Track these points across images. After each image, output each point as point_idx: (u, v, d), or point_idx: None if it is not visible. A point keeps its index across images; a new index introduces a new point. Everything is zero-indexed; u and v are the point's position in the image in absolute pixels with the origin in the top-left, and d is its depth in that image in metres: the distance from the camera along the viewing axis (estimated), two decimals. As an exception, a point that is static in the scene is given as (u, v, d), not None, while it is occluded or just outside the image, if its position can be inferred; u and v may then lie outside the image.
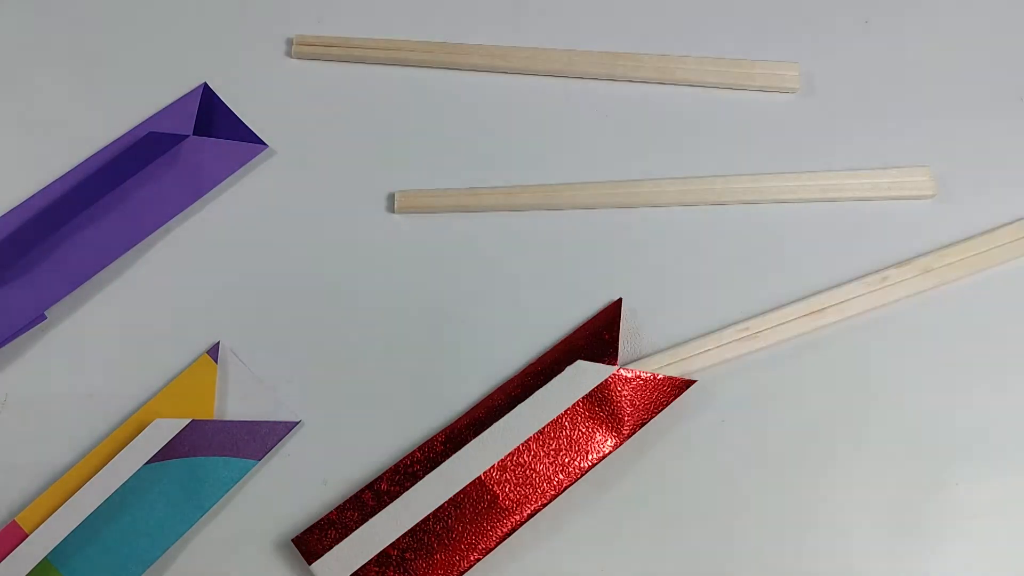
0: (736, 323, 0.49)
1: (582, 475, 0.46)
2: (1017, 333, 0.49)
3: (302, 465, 0.47)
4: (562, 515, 0.46)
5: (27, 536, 0.44)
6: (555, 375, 0.47)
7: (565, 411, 0.46)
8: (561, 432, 0.46)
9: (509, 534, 0.45)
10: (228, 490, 0.46)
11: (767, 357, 0.49)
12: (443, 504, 0.45)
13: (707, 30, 0.55)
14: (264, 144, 0.52)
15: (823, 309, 0.49)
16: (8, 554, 0.44)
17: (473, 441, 0.46)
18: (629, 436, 0.46)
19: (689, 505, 0.47)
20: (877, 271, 0.50)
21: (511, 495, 0.45)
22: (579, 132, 0.53)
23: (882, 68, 0.54)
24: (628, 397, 0.46)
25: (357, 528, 0.45)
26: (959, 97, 0.54)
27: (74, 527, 0.44)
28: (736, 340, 0.48)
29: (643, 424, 0.46)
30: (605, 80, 0.54)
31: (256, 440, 0.47)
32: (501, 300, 0.50)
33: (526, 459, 0.46)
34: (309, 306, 0.50)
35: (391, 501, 0.45)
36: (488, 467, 0.46)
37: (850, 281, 0.49)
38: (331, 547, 0.45)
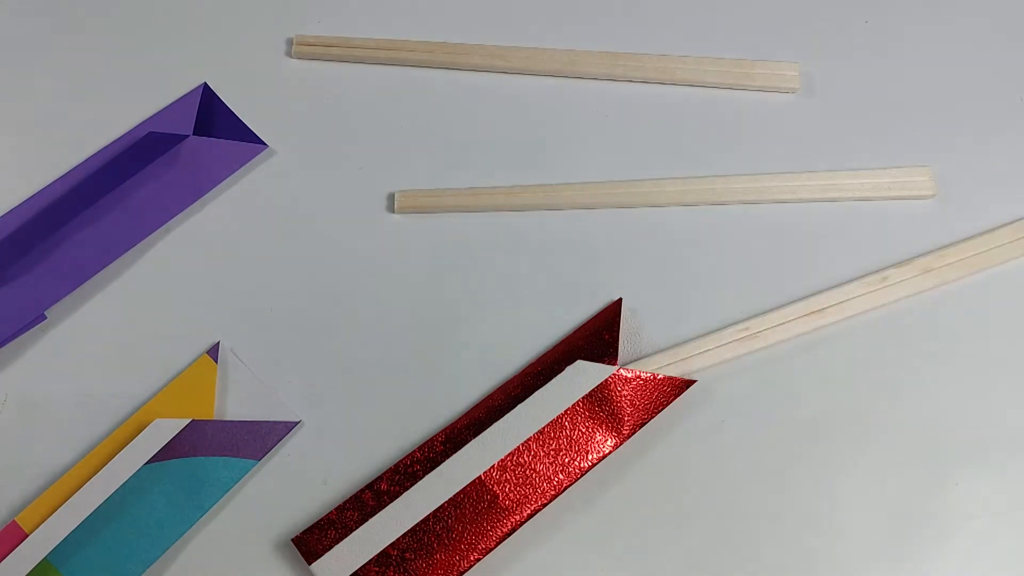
0: (736, 323, 0.49)
1: (582, 475, 0.46)
2: (1017, 333, 0.49)
3: (302, 465, 0.47)
4: (562, 515, 0.46)
5: (27, 536, 0.44)
6: (555, 375, 0.47)
7: (565, 411, 0.46)
8: (561, 432, 0.46)
9: (509, 534, 0.45)
10: (228, 490, 0.46)
11: (767, 357, 0.49)
12: (443, 504, 0.45)
13: (707, 30, 0.55)
14: (264, 144, 0.52)
15: (823, 309, 0.49)
16: (8, 554, 0.44)
17: (473, 441, 0.46)
18: (629, 436, 0.46)
19: (689, 505, 0.47)
20: (877, 271, 0.50)
21: (511, 495, 0.45)
22: (579, 132, 0.53)
23: (882, 68, 0.54)
24: (628, 397, 0.46)
25: (357, 528, 0.45)
26: (959, 97, 0.54)
27: (74, 527, 0.44)
28: (736, 340, 0.48)
29: (643, 424, 0.46)
30: (605, 80, 0.54)
31: (256, 440, 0.47)
32: (501, 300, 0.50)
33: (526, 459, 0.46)
34: (309, 306, 0.50)
35: (391, 501, 0.45)
36: (488, 467, 0.46)
37: (850, 281, 0.49)
38: (331, 547, 0.45)
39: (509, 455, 0.46)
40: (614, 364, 0.47)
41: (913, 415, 0.48)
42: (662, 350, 0.48)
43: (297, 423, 0.48)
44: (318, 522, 0.45)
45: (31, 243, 0.49)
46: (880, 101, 0.54)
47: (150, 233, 0.50)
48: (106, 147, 0.52)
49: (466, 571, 0.45)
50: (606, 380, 0.47)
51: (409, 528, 0.45)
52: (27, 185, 0.51)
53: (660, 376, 0.47)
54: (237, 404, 0.48)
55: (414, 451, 0.47)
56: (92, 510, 0.45)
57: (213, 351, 0.48)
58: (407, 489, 0.46)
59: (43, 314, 0.48)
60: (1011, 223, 0.51)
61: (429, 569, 0.45)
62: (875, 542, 0.46)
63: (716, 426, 0.48)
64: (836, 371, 0.49)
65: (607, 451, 0.46)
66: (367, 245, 0.51)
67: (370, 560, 0.45)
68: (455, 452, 0.46)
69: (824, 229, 0.51)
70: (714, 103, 0.53)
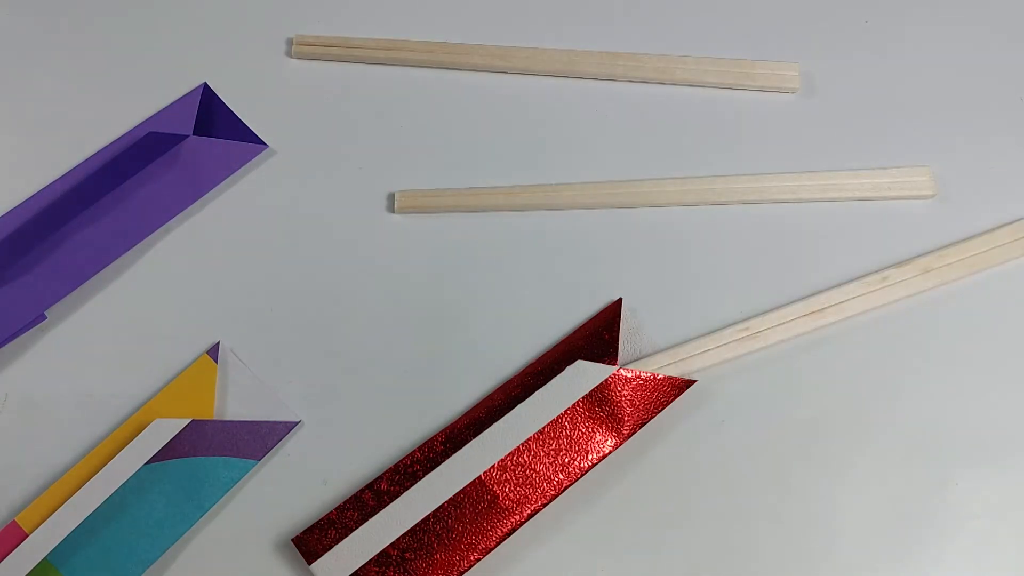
0: (736, 323, 0.49)
1: (582, 475, 0.46)
2: (1017, 333, 0.49)
3: (302, 465, 0.47)
4: (562, 515, 0.46)
5: (27, 536, 0.44)
6: (555, 375, 0.47)
7: (565, 411, 0.46)
8: (561, 432, 0.46)
9: (509, 534, 0.45)
10: (228, 490, 0.46)
11: (767, 357, 0.49)
12: (443, 504, 0.45)
13: (707, 30, 0.55)
14: (264, 144, 0.52)
15: (823, 309, 0.49)
16: (8, 554, 0.44)
17: (473, 441, 0.46)
18: (629, 436, 0.46)
19: (689, 505, 0.47)
20: (877, 271, 0.50)
21: (511, 495, 0.45)
22: (579, 132, 0.53)
23: (882, 68, 0.54)
24: (628, 397, 0.46)
25: (357, 528, 0.45)
26: (959, 97, 0.54)
27: (74, 527, 0.44)
28: (736, 340, 0.48)
29: (643, 424, 0.46)
30: (605, 80, 0.54)
31: (256, 440, 0.47)
32: (501, 300, 0.50)
33: (526, 459, 0.46)
34: (309, 306, 0.50)
35: (391, 501, 0.45)
36: (488, 467, 0.46)
37: (850, 281, 0.49)
38: (331, 547, 0.45)
39: (509, 455, 0.46)
40: (614, 364, 0.47)
41: (913, 415, 0.48)
42: (662, 350, 0.48)
43: (297, 423, 0.48)
44: (318, 522, 0.45)
45: (31, 243, 0.49)
46: (880, 101, 0.54)
47: (150, 233, 0.50)
48: (106, 147, 0.52)
49: (466, 571, 0.45)
50: (606, 380, 0.47)
51: (409, 528, 0.45)
52: (27, 185, 0.51)
53: (660, 376, 0.47)
54: (237, 404, 0.48)
55: (414, 451, 0.47)
56: (92, 510, 0.45)
57: (213, 351, 0.48)
58: (407, 489, 0.46)
59: (43, 314, 0.48)
60: (1011, 223, 0.51)
61: (429, 569, 0.45)
62: (875, 542, 0.46)
63: (716, 426, 0.48)
64: (836, 371, 0.49)
65: (607, 451, 0.46)
66: (367, 245, 0.51)
67: (370, 560, 0.45)
68: (455, 452, 0.46)
69: (824, 229, 0.51)
70: (714, 103, 0.53)
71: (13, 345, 0.48)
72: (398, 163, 0.52)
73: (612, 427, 0.46)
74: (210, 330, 0.49)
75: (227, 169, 0.52)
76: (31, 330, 0.48)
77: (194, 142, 0.52)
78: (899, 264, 0.50)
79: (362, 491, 0.46)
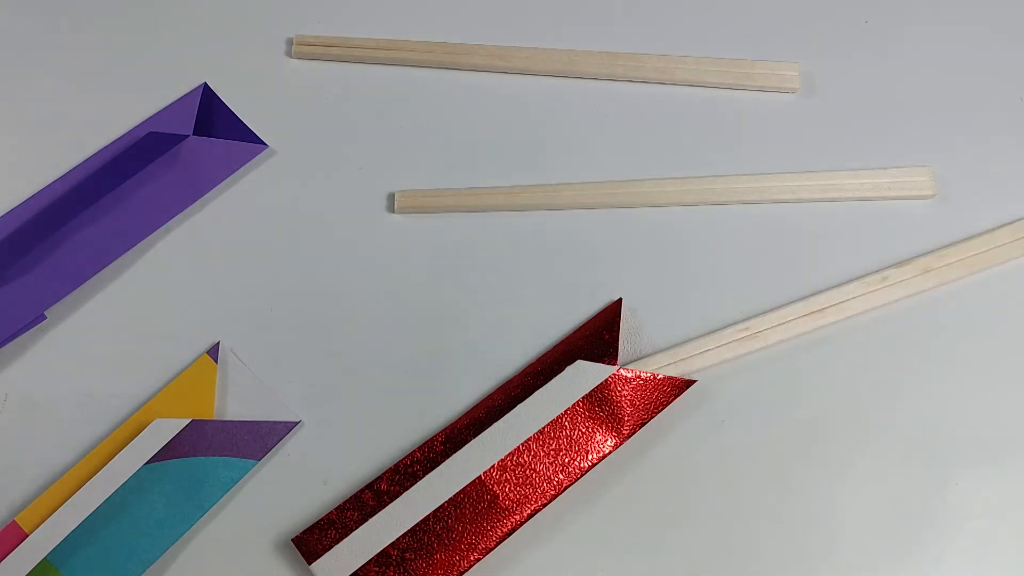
0: (736, 323, 0.49)
1: (582, 475, 0.46)
2: (1017, 333, 0.49)
3: (302, 465, 0.47)
4: (562, 515, 0.46)
5: (27, 536, 0.44)
6: (555, 375, 0.47)
7: (565, 411, 0.46)
8: (561, 432, 0.46)
9: (509, 534, 0.45)
10: (228, 490, 0.46)
11: (767, 357, 0.49)
12: (443, 504, 0.45)
13: (707, 30, 0.55)
14: (264, 144, 0.52)
15: (823, 309, 0.49)
16: (8, 554, 0.44)
17: (473, 441, 0.46)
18: (629, 436, 0.46)
19: (689, 505, 0.47)
20: (877, 271, 0.50)
21: (511, 495, 0.45)
22: (579, 132, 0.53)
23: (882, 68, 0.54)
24: (628, 397, 0.46)
25: (357, 528, 0.45)
26: (959, 97, 0.54)
27: (74, 527, 0.44)
28: (736, 340, 0.48)
29: (643, 424, 0.46)
30: (605, 80, 0.54)
31: (256, 440, 0.47)
32: (501, 300, 0.50)
33: (526, 459, 0.46)
34: (309, 306, 0.50)
35: (391, 501, 0.45)
36: (488, 467, 0.46)
37: (850, 281, 0.49)
38: (331, 547, 0.45)
39: (509, 455, 0.46)
40: (614, 364, 0.47)
41: (913, 415, 0.48)
42: (662, 350, 0.48)
43: (297, 423, 0.48)
44: (318, 522, 0.45)
45: (31, 243, 0.49)
46: (880, 101, 0.54)
47: (150, 233, 0.50)
48: (106, 147, 0.52)
49: (466, 571, 0.45)
50: (606, 380, 0.47)
51: (409, 528, 0.45)
52: (27, 185, 0.51)
53: (660, 376, 0.47)
54: (237, 404, 0.48)
55: (414, 451, 0.47)
56: (92, 510, 0.45)
57: (213, 351, 0.48)
58: (407, 489, 0.46)
59: (43, 314, 0.48)
60: (1011, 223, 0.51)
61: (429, 569, 0.45)
62: (875, 542, 0.46)
63: (716, 426, 0.48)
64: (836, 371, 0.49)
65: (607, 451, 0.46)
66: (367, 245, 0.51)
67: (370, 560, 0.45)
68: (455, 452, 0.46)
69: (824, 229, 0.51)
70: (714, 103, 0.53)
71: (13, 345, 0.48)
72: (398, 163, 0.52)
73: (612, 427, 0.46)
74: (210, 330, 0.49)
75: (227, 169, 0.52)
76: (31, 330, 0.48)
77: (194, 142, 0.52)
78: (899, 264, 0.50)
79: (362, 491, 0.46)
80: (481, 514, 0.45)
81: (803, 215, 0.51)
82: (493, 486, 0.45)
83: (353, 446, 0.47)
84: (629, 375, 0.47)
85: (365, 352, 0.49)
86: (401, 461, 0.46)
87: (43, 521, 0.45)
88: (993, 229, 0.51)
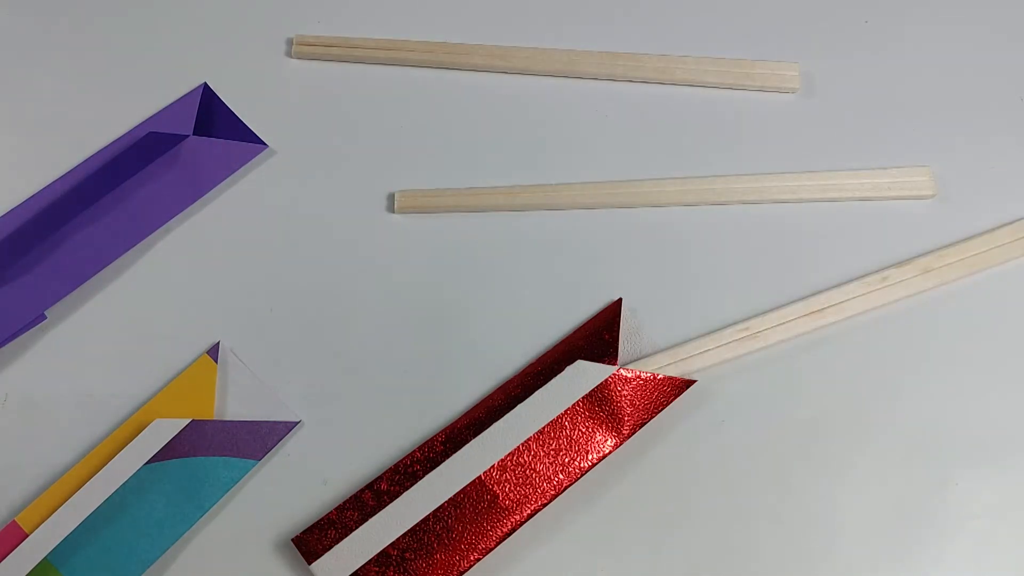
0: (736, 323, 0.49)
1: (582, 475, 0.46)
2: (1017, 333, 0.49)
3: (302, 465, 0.47)
4: (562, 515, 0.46)
5: (27, 536, 0.44)
6: (555, 375, 0.47)
7: (565, 411, 0.46)
8: (561, 432, 0.46)
9: (509, 534, 0.45)
10: (228, 490, 0.46)
11: (767, 357, 0.49)
12: (443, 504, 0.45)
13: (707, 30, 0.55)
14: (264, 144, 0.52)
15: (823, 309, 0.49)
16: (8, 554, 0.44)
17: (473, 441, 0.46)
18: (629, 436, 0.46)
19: (689, 505, 0.47)
20: (877, 271, 0.50)
21: (511, 495, 0.45)
22: (579, 132, 0.53)
23: (882, 68, 0.54)
24: (628, 397, 0.46)
25: (357, 528, 0.45)
26: (959, 97, 0.54)
27: (74, 527, 0.44)
28: (736, 340, 0.48)
29: (643, 424, 0.46)
30: (605, 80, 0.54)
31: (256, 440, 0.47)
32: (501, 300, 0.50)
33: (526, 459, 0.46)
34: (309, 306, 0.50)
35: (391, 501, 0.45)
36: (488, 467, 0.46)
37: (850, 281, 0.49)
38: (331, 547, 0.45)
39: (509, 455, 0.46)
40: (614, 364, 0.47)
41: (913, 415, 0.48)
42: (662, 350, 0.48)
43: (297, 423, 0.48)
44: (318, 522, 0.45)
45: (31, 243, 0.49)
46: (880, 101, 0.54)
47: (150, 233, 0.50)
48: (106, 147, 0.52)
49: (466, 571, 0.45)
50: (606, 380, 0.47)
51: (409, 528, 0.45)
52: (27, 185, 0.51)
53: (660, 376, 0.47)
54: (237, 404, 0.48)
55: (414, 451, 0.47)
56: (92, 510, 0.45)
57: (213, 351, 0.48)
58: (407, 489, 0.46)
59: (43, 314, 0.48)
60: (1011, 223, 0.51)
61: (429, 569, 0.45)
62: (875, 542, 0.46)
63: (716, 426, 0.48)
64: (836, 371, 0.49)
65: (607, 451, 0.46)
66: (367, 245, 0.51)
67: (370, 560, 0.45)
68: (455, 452, 0.46)
69: (824, 229, 0.51)
70: (714, 103, 0.53)
71: (13, 345, 0.48)
72: (398, 163, 0.52)
73: (612, 427, 0.46)
74: (210, 330, 0.49)
75: (227, 169, 0.52)
76: (31, 330, 0.48)
77: (194, 142, 0.52)
78: (899, 264, 0.50)
79: (362, 491, 0.46)
80: (481, 514, 0.45)
81: (803, 215, 0.51)
82: (493, 486, 0.45)
83: (353, 446, 0.47)
84: (629, 375, 0.47)
85: (365, 352, 0.49)
86: (401, 461, 0.46)
87: (43, 521, 0.45)
88: (993, 229, 0.51)
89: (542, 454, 0.46)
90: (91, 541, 0.45)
